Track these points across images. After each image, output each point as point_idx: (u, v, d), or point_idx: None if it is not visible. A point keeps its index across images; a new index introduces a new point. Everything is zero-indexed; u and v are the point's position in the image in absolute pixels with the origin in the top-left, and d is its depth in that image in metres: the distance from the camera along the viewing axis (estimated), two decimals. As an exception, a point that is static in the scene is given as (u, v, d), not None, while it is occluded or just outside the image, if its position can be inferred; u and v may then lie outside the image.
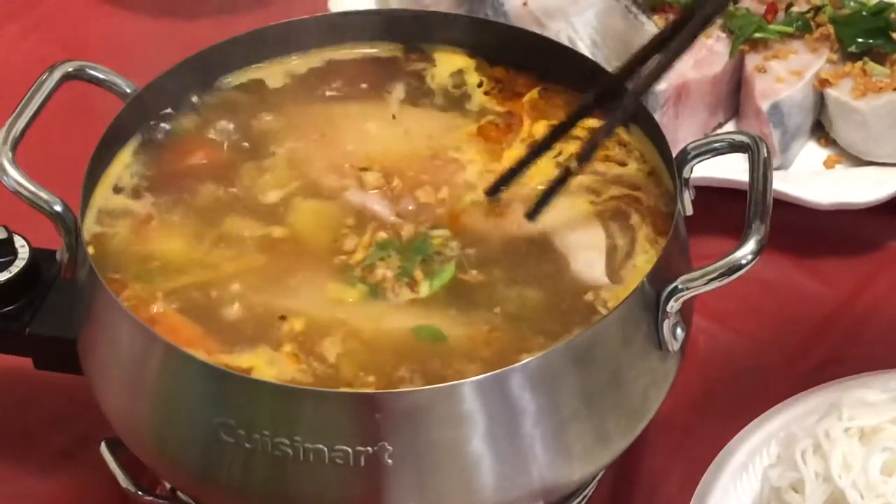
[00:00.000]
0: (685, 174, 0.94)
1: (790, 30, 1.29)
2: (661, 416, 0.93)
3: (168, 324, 0.87)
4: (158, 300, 0.88)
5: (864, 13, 1.29)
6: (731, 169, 1.18)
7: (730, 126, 1.32)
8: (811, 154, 1.28)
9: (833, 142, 1.28)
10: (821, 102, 1.27)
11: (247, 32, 1.05)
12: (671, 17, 1.29)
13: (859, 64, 1.26)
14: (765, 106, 1.24)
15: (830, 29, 1.28)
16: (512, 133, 0.99)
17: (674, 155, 0.95)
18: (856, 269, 1.19)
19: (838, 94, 1.24)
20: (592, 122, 0.97)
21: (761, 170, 0.88)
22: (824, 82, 1.25)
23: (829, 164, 1.27)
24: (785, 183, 1.19)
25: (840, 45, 1.28)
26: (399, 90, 1.03)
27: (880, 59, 1.26)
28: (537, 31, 1.25)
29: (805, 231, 1.21)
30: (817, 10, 1.30)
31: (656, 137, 0.96)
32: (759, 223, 0.86)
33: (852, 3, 1.31)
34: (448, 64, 1.05)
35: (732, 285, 0.95)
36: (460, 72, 1.04)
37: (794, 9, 1.31)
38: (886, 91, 1.22)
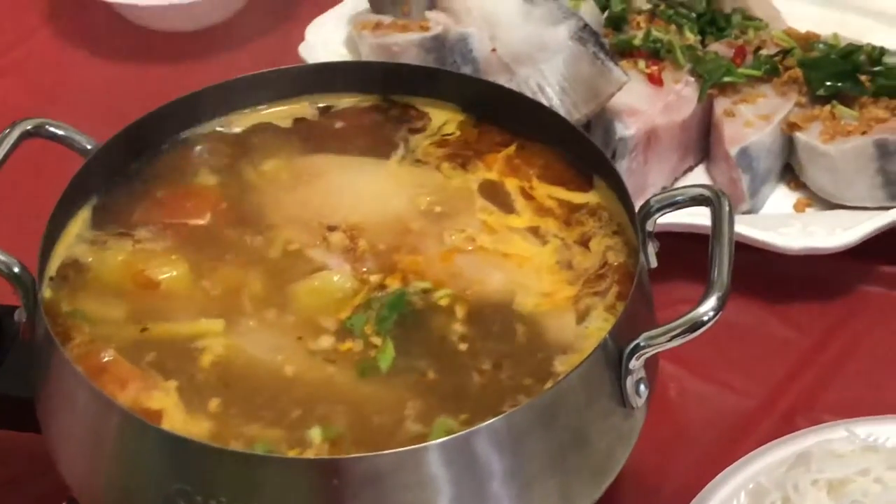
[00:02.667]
0: (648, 227, 0.94)
1: (758, 73, 1.29)
2: (631, 465, 0.92)
3: (117, 373, 0.86)
4: (110, 350, 0.88)
5: (832, 56, 1.29)
6: (701, 213, 1.18)
7: (700, 169, 1.32)
8: (781, 197, 1.28)
9: (803, 185, 1.28)
10: (790, 146, 1.28)
11: (215, 84, 1.05)
12: (641, 61, 1.29)
13: (828, 107, 1.26)
14: (733, 151, 1.24)
15: (799, 72, 1.28)
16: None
17: (640, 205, 0.94)
18: (826, 315, 1.19)
19: (807, 137, 1.24)
20: (559, 192, 0.97)
21: (723, 224, 0.88)
22: (793, 126, 1.25)
23: (799, 208, 1.26)
24: (755, 228, 1.19)
25: (809, 89, 1.28)
26: (374, 144, 1.03)
27: (849, 103, 1.26)
28: (506, 77, 1.26)
29: (776, 276, 1.21)
30: (786, 53, 1.30)
31: (621, 193, 0.95)
32: (721, 279, 0.85)
33: (821, 46, 1.31)
34: (429, 118, 1.05)
35: (703, 332, 0.96)
36: (438, 127, 1.04)
37: (763, 52, 1.31)
38: (855, 135, 1.22)
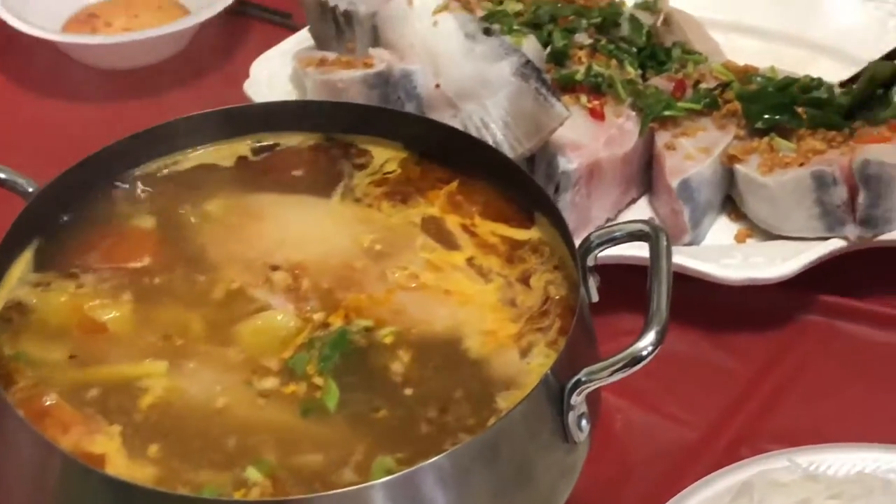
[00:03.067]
0: (589, 262, 0.95)
1: (698, 107, 1.31)
2: (575, 500, 0.93)
3: (59, 416, 0.86)
4: (52, 394, 0.88)
5: (769, 89, 1.31)
6: (643, 245, 1.19)
7: (643, 202, 1.33)
8: (723, 228, 1.29)
9: (744, 216, 1.29)
10: (731, 178, 1.29)
11: (156, 125, 1.05)
12: (582, 96, 1.30)
13: (766, 140, 1.28)
14: (674, 183, 1.26)
15: (737, 105, 1.30)
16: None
17: (581, 239, 0.96)
18: (768, 344, 1.20)
19: (747, 169, 1.26)
20: (502, 229, 0.98)
21: (661, 259, 0.89)
22: (733, 158, 1.27)
23: (740, 239, 1.28)
24: (696, 260, 1.20)
25: (747, 122, 1.30)
26: (317, 183, 1.04)
27: (787, 135, 1.28)
28: (450, 112, 1.27)
29: (718, 306, 1.22)
30: (724, 86, 1.33)
31: (562, 230, 0.96)
32: (660, 313, 0.86)
33: (759, 79, 1.33)
34: (371, 156, 1.05)
35: (648, 363, 0.97)
36: (380, 165, 1.05)
37: (702, 86, 1.33)
38: (793, 167, 1.24)
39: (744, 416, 1.14)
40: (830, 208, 1.22)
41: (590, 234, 0.95)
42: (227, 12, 1.51)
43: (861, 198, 1.21)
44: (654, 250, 0.90)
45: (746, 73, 1.35)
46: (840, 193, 1.21)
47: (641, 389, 1.14)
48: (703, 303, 1.22)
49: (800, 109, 1.29)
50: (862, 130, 1.26)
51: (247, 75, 1.39)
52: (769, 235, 1.27)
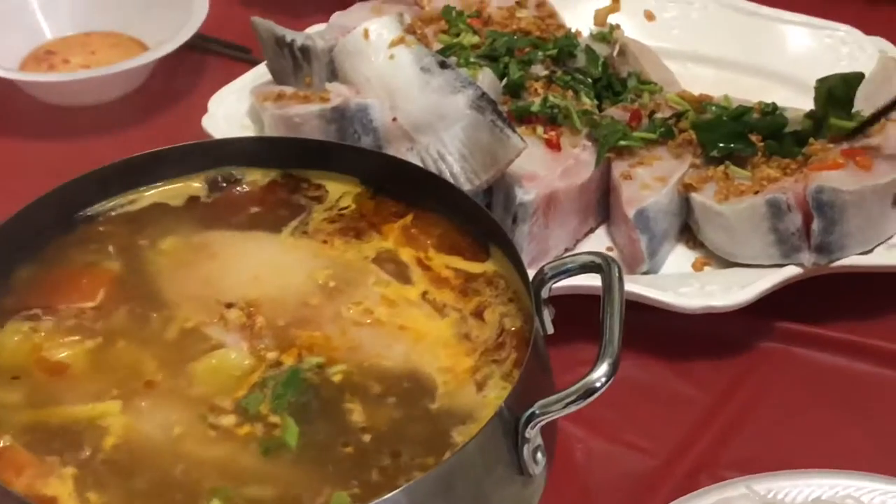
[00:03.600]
0: (543, 294, 0.95)
1: (654, 136, 1.31)
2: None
3: (13, 459, 0.86)
4: (6, 436, 0.87)
5: (724, 118, 1.32)
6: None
7: (602, 231, 1.34)
8: (680, 257, 1.30)
9: (701, 244, 1.30)
10: (688, 206, 1.30)
11: (112, 163, 1.05)
12: (539, 127, 1.31)
13: (722, 168, 1.29)
14: (631, 212, 1.26)
15: (693, 135, 1.31)
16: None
17: (536, 272, 0.96)
18: (726, 372, 1.21)
19: (703, 198, 1.27)
20: (456, 262, 0.98)
21: (614, 291, 0.90)
22: (689, 187, 1.28)
23: (697, 267, 1.29)
24: (653, 289, 1.21)
25: (703, 150, 1.31)
26: (272, 219, 1.04)
27: (742, 163, 1.29)
28: (407, 145, 1.28)
29: (677, 334, 1.23)
30: (679, 116, 1.34)
31: (516, 263, 0.97)
32: (612, 345, 0.87)
33: (713, 108, 1.35)
34: (326, 191, 1.06)
35: (608, 392, 0.97)
36: (335, 200, 1.05)
37: (658, 115, 1.34)
38: (748, 194, 1.25)
39: (703, 443, 1.14)
40: (785, 235, 1.23)
41: (543, 267, 0.95)
42: (186, 47, 1.51)
43: (815, 225, 1.22)
44: (607, 282, 0.90)
45: (701, 103, 1.36)
46: (794, 220, 1.22)
47: (601, 418, 1.14)
48: (662, 331, 1.22)
49: (755, 137, 1.31)
50: (816, 157, 1.27)
51: (205, 110, 1.40)
52: (726, 263, 1.28)
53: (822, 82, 1.32)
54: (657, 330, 1.23)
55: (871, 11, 1.55)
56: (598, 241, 1.33)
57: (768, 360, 1.22)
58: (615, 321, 0.88)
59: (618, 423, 1.16)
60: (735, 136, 1.30)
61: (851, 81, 1.32)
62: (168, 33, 1.51)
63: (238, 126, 1.38)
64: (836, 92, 1.31)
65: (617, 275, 0.91)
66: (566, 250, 1.31)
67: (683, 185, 1.28)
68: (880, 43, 1.45)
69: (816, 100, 1.32)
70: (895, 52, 1.44)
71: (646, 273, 1.27)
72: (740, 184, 1.26)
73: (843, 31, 1.46)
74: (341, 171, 1.06)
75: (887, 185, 1.24)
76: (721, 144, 1.29)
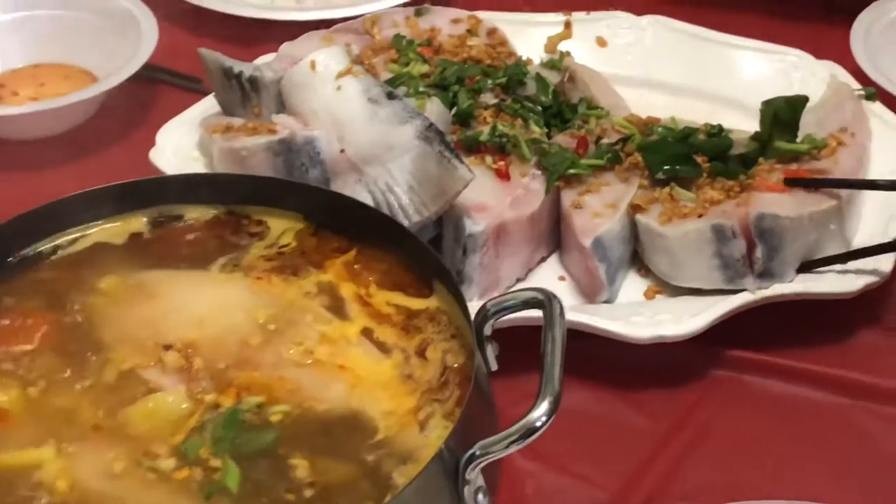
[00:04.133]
0: (486, 331, 0.94)
1: (601, 163, 1.31)
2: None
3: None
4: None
5: (669, 139, 1.32)
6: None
7: (554, 259, 1.33)
8: (632, 285, 1.29)
9: (651, 273, 1.29)
10: (635, 228, 1.29)
11: (50, 202, 1.04)
12: (488, 157, 1.30)
13: (667, 189, 1.28)
14: (587, 242, 1.25)
15: (639, 158, 1.31)
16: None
17: (478, 309, 0.95)
18: (678, 401, 1.20)
19: (647, 219, 1.26)
20: (399, 298, 0.97)
21: (555, 328, 0.89)
22: (636, 208, 1.27)
23: (649, 295, 1.28)
24: (604, 319, 1.20)
25: (649, 172, 1.30)
26: (213, 258, 1.02)
27: (687, 185, 1.29)
28: (355, 177, 1.27)
29: (628, 364, 1.22)
30: (625, 140, 1.33)
31: (458, 298, 0.96)
32: (552, 384, 0.86)
33: (660, 130, 1.34)
34: (268, 228, 1.04)
35: (559, 424, 0.96)
36: (277, 237, 1.04)
37: (604, 141, 1.34)
38: (692, 217, 1.25)
39: (655, 474, 1.14)
40: (730, 261, 1.23)
41: (486, 303, 0.94)
42: (136, 78, 1.49)
43: (758, 251, 1.21)
44: (548, 318, 0.90)
45: (648, 125, 1.35)
46: (739, 247, 1.22)
47: (552, 451, 1.13)
48: (614, 360, 1.22)
49: (700, 158, 1.30)
50: (757, 179, 1.27)
51: (153, 143, 1.38)
52: (678, 291, 1.27)
53: (767, 105, 1.32)
54: (609, 359, 1.22)
55: (823, 36, 1.55)
56: (551, 270, 1.32)
57: (720, 389, 1.21)
58: (556, 358, 0.87)
59: (569, 455, 1.15)
60: (680, 157, 1.30)
61: (796, 104, 1.33)
62: (118, 64, 1.50)
63: (187, 158, 1.37)
64: (782, 115, 1.32)
65: (558, 311, 0.90)
66: (518, 280, 1.31)
67: (631, 206, 1.28)
68: (832, 67, 1.45)
69: (762, 122, 1.33)
70: (846, 76, 1.44)
71: (606, 301, 1.26)
72: (684, 206, 1.26)
73: (795, 55, 1.46)
74: (284, 207, 1.05)
75: (827, 211, 1.24)
76: (666, 167, 1.29)
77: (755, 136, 1.33)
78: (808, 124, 1.34)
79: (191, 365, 0.94)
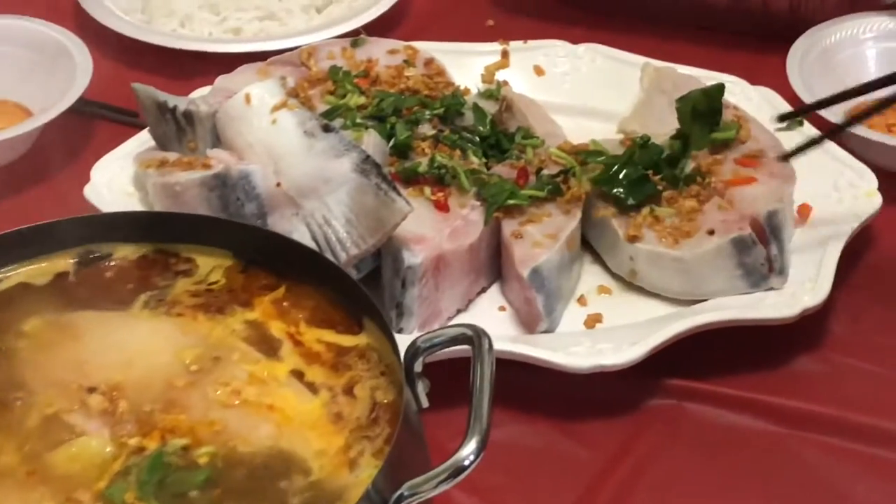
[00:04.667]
0: (417, 368, 0.93)
1: (542, 194, 1.31)
2: None
3: None
4: None
5: (616, 166, 1.31)
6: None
7: (494, 290, 1.32)
8: (573, 315, 1.29)
9: (591, 300, 1.29)
10: (580, 261, 1.30)
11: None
12: (426, 188, 1.30)
13: (646, 212, 1.29)
14: (525, 272, 1.25)
15: (582, 190, 1.31)
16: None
17: (407, 346, 0.94)
18: (618, 431, 1.20)
19: (654, 247, 1.27)
20: (329, 335, 0.96)
21: (484, 365, 0.88)
22: (633, 238, 1.27)
23: (589, 324, 1.28)
24: (543, 349, 1.20)
25: (619, 206, 1.30)
26: (140, 298, 1.01)
27: (656, 201, 1.30)
28: (292, 210, 1.26)
29: (568, 395, 1.21)
30: (566, 172, 1.33)
31: (388, 336, 0.95)
32: (481, 422, 0.85)
33: (600, 159, 1.34)
34: (196, 265, 1.03)
35: (497, 457, 0.96)
36: (205, 275, 1.02)
37: (545, 172, 1.33)
38: (697, 234, 1.26)
39: (597, 507, 1.13)
40: (753, 268, 1.25)
41: (415, 340, 0.93)
42: (71, 112, 1.48)
43: (773, 249, 1.25)
44: (476, 354, 0.89)
45: (578, 152, 1.36)
46: (760, 252, 1.25)
47: (490, 486, 1.12)
48: (553, 391, 1.21)
49: (655, 176, 1.32)
50: (714, 176, 1.30)
51: (88, 179, 1.37)
52: (618, 319, 1.27)
53: (683, 101, 1.35)
54: (548, 390, 1.21)
55: (759, 62, 1.56)
56: (492, 301, 1.32)
57: (660, 418, 1.21)
58: (484, 395, 0.86)
59: (507, 489, 1.14)
60: (639, 180, 1.31)
61: (713, 93, 1.36)
62: (53, 98, 1.48)
63: (122, 194, 1.35)
64: (700, 106, 1.35)
65: (486, 346, 0.89)
66: (459, 311, 1.30)
67: (628, 238, 1.28)
68: (766, 93, 1.46)
69: (681, 119, 1.35)
70: (781, 102, 1.45)
71: (545, 331, 1.26)
72: (677, 225, 1.27)
73: (730, 81, 1.47)
74: (214, 244, 1.03)
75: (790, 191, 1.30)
76: (637, 195, 1.30)
77: (676, 136, 1.34)
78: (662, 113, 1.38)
79: (115, 408, 0.92)
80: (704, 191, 1.30)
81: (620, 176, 1.31)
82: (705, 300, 1.26)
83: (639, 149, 1.34)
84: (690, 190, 1.30)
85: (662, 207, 1.29)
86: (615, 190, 1.30)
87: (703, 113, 1.34)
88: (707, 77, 1.48)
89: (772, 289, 1.25)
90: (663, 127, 1.37)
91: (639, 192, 1.30)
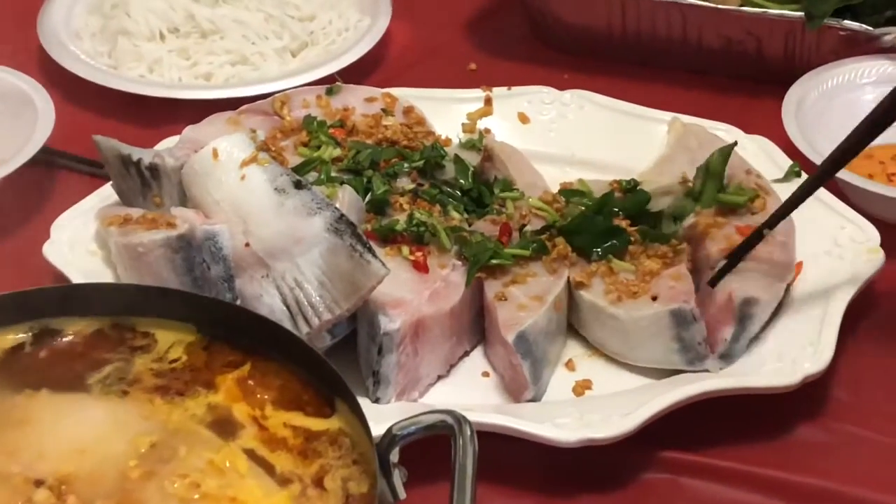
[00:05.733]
0: (392, 458, 0.86)
1: (526, 253, 1.24)
2: None
3: None
4: None
5: (587, 216, 1.27)
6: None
7: (478, 353, 1.25)
8: (560, 381, 1.22)
9: (580, 366, 1.22)
10: (571, 304, 1.24)
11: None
12: (405, 247, 1.23)
13: (604, 262, 1.24)
14: (510, 337, 1.18)
15: (567, 249, 1.24)
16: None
17: (383, 434, 0.87)
18: (610, 507, 1.13)
19: (593, 297, 1.22)
20: (297, 419, 0.89)
21: (466, 458, 0.81)
22: (579, 284, 1.23)
23: (577, 392, 1.21)
24: (528, 422, 1.12)
25: (579, 255, 1.25)
26: (93, 378, 0.94)
27: (621, 254, 1.25)
28: (262, 272, 1.19)
29: (556, 468, 1.14)
30: (549, 228, 1.26)
31: (362, 421, 0.87)
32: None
33: (574, 199, 1.30)
34: (155, 341, 0.96)
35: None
36: (164, 351, 0.95)
37: (528, 228, 1.27)
38: (642, 296, 1.20)
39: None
40: (690, 344, 1.18)
41: (391, 428, 0.86)
42: (33, 163, 1.40)
43: (728, 333, 1.18)
44: (457, 446, 0.82)
45: (562, 191, 1.32)
46: (700, 330, 1.18)
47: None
48: (540, 464, 1.14)
49: (623, 221, 1.27)
50: (702, 232, 1.25)
51: (48, 236, 1.29)
52: (607, 385, 1.20)
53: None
54: (535, 463, 1.14)
55: (753, 107, 1.50)
56: (475, 365, 1.24)
57: (654, 494, 1.14)
58: (466, 491, 0.79)
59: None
60: (606, 233, 1.25)
61: (726, 153, 1.31)
62: (14, 148, 1.41)
63: (84, 252, 1.28)
64: (713, 167, 1.29)
65: (469, 434, 0.82)
66: (439, 377, 1.23)
67: (575, 283, 1.22)
68: (761, 141, 1.39)
69: (697, 178, 1.29)
70: (776, 151, 1.38)
71: (531, 400, 1.19)
72: (629, 282, 1.21)
73: (723, 129, 1.40)
74: (175, 318, 0.96)
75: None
76: (597, 250, 1.24)
77: (689, 193, 1.29)
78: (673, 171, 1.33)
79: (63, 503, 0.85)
80: (676, 256, 1.24)
81: (588, 227, 1.26)
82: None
83: (625, 194, 1.29)
84: (658, 250, 1.24)
85: (621, 262, 1.24)
86: (578, 242, 1.25)
87: (715, 172, 1.28)
88: (699, 125, 1.42)
89: (706, 370, 1.18)
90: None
91: (604, 249, 1.25)
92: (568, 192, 1.33)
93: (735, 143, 1.32)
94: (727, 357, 1.19)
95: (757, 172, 1.32)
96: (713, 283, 1.21)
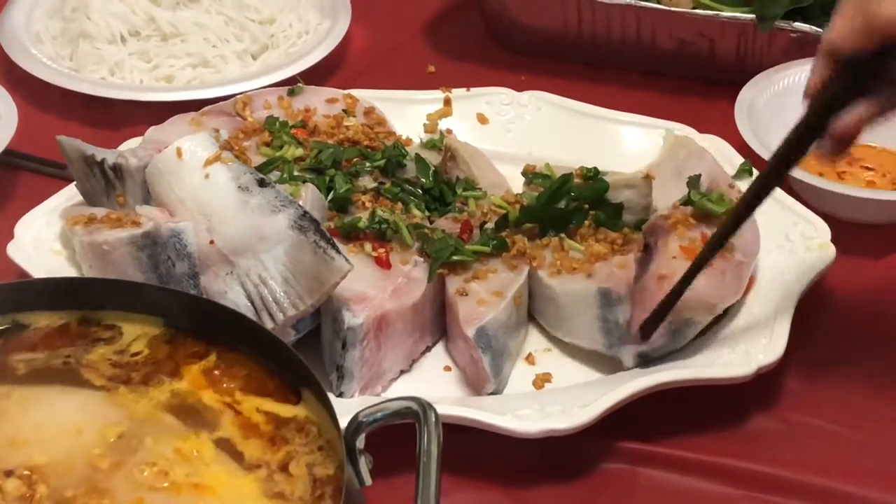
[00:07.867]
0: (359, 444, 0.88)
1: (487, 249, 1.26)
2: None
3: None
4: None
5: (542, 201, 1.29)
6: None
7: (440, 348, 1.27)
8: (521, 375, 1.24)
9: (539, 360, 1.25)
10: (527, 320, 1.25)
11: None
12: (367, 244, 1.25)
13: (558, 238, 1.26)
14: (471, 331, 1.20)
15: (527, 245, 1.27)
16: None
17: (349, 421, 0.88)
18: (570, 498, 1.14)
19: (537, 268, 1.25)
20: (267, 404, 0.91)
21: (430, 443, 0.83)
22: (529, 256, 1.25)
23: (538, 385, 1.23)
24: (491, 414, 1.14)
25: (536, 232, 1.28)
26: (61, 370, 0.94)
27: (574, 234, 1.28)
28: (227, 269, 1.20)
29: (517, 460, 1.16)
30: (505, 220, 1.28)
31: (329, 410, 0.89)
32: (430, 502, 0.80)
33: (537, 180, 1.33)
34: (121, 333, 0.97)
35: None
36: (129, 343, 0.96)
37: (489, 225, 1.29)
38: (580, 273, 1.23)
39: (547, 579, 1.08)
40: (613, 325, 1.20)
41: (357, 415, 0.88)
42: (-5, 165, 1.42)
43: (658, 342, 1.20)
44: (422, 432, 0.83)
45: (525, 173, 1.34)
46: (623, 312, 1.20)
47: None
48: (501, 456, 1.16)
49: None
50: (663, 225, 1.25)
51: (12, 236, 1.30)
52: (567, 377, 1.22)
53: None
54: (496, 455, 1.16)
55: (706, 109, 1.52)
56: (437, 360, 1.26)
57: (613, 483, 1.16)
58: (431, 476, 0.81)
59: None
60: (558, 221, 1.28)
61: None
62: (-25, 151, 1.42)
63: (48, 251, 1.29)
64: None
65: (433, 421, 0.84)
66: (402, 372, 1.25)
67: (527, 254, 1.25)
68: (716, 141, 1.42)
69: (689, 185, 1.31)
70: (731, 151, 1.41)
71: (492, 393, 1.21)
72: (574, 260, 1.24)
73: (677, 129, 1.43)
74: (141, 310, 0.97)
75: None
76: (551, 231, 1.28)
77: (684, 202, 1.28)
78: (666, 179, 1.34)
79: (34, 493, 0.85)
80: (626, 244, 1.26)
81: (539, 214, 1.28)
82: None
83: (585, 180, 1.32)
84: (609, 236, 1.26)
85: (572, 241, 1.26)
86: (529, 225, 1.28)
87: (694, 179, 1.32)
88: (654, 125, 1.45)
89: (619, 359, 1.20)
90: (663, 194, 1.32)
91: (560, 222, 1.28)
92: (532, 174, 1.35)
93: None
94: (644, 357, 1.20)
95: (739, 188, 1.33)
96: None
